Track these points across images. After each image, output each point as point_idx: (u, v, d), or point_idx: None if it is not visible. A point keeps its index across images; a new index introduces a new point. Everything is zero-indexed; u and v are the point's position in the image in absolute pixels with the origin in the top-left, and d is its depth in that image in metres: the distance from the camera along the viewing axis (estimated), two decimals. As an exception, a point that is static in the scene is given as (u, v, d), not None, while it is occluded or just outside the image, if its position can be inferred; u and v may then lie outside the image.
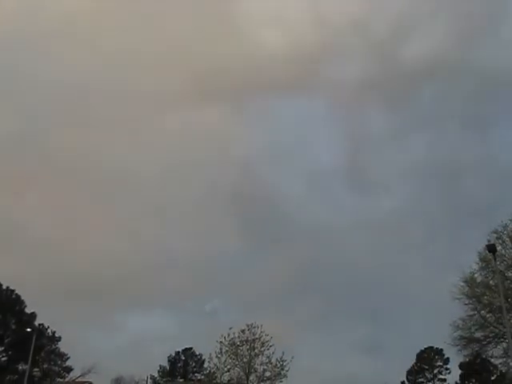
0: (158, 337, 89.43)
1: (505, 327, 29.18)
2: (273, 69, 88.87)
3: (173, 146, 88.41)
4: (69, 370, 51.69)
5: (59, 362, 50.26)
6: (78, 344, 69.58)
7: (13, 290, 44.91)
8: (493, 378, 52.92)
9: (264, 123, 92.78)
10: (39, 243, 73.13)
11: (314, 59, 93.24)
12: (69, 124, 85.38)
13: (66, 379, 52.33)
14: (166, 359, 79.14)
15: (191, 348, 78.92)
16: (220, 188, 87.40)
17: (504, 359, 36.64)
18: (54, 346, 49.59)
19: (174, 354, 79.65)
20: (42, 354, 47.47)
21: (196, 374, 75.44)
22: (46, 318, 48.83)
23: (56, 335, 49.68)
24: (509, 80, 77.39)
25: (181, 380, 73.56)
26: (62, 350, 50.33)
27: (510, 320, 31.90)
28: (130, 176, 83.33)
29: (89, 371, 52.24)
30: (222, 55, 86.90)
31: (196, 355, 78.59)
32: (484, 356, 41.03)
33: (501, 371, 43.77)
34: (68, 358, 50.90)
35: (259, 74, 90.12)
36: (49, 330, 48.86)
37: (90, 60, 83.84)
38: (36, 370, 45.65)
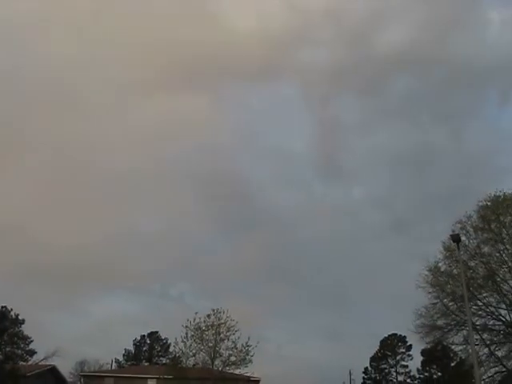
0: (124, 321, 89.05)
1: (466, 315, 29.82)
2: (245, 54, 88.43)
3: (146, 131, 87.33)
4: (32, 353, 50.94)
5: (22, 345, 49.46)
6: (42, 327, 68.97)
7: (-26, 272, 44.08)
8: (453, 364, 54.21)
9: (236, 108, 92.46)
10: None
11: (286, 45, 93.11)
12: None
13: (29, 362, 51.65)
14: (132, 343, 79.07)
15: (157, 332, 78.87)
16: (193, 173, 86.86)
17: (464, 346, 37.50)
18: (17, 329, 48.76)
19: (139, 338, 79.52)
20: (5, 337, 46.69)
21: (161, 358, 75.47)
22: (8, 300, 48.12)
23: (19, 318, 48.91)
24: (480, 71, 78.53)
25: (146, 364, 73.48)
26: (26, 333, 49.62)
27: (470, 308, 32.66)
28: (98, 157, 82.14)
29: (52, 354, 51.63)
30: (193, 41, 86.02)
31: (161, 339, 78.58)
32: (445, 343, 41.93)
33: (460, 358, 44.81)
34: (31, 342, 50.14)
35: (231, 59, 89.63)
36: (12, 313, 48.06)
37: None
38: (-2, 352, 44.95)
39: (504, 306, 35.90)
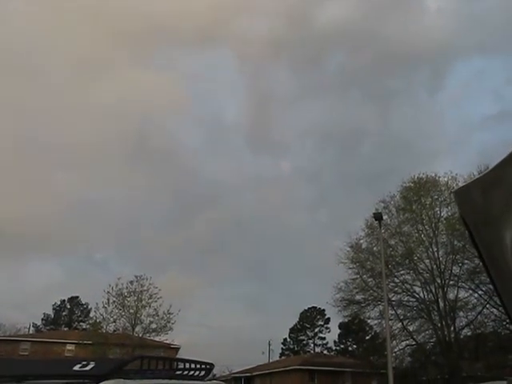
0: (43, 284, 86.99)
1: (383, 291, 30.94)
2: (181, 20, 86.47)
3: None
4: None
5: None
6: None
7: None
8: (367, 338, 56.33)
9: (170, 74, 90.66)
10: None
11: (224, 13, 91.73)
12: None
13: None
14: (51, 307, 77.47)
15: (77, 297, 77.58)
16: (124, 136, 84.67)
17: (379, 320, 39.04)
18: None
19: (59, 303, 78.03)
20: None
21: (81, 323, 74.44)
22: None
23: None
24: (413, 54, 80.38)
25: (65, 329, 72.26)
26: None
27: (388, 285, 33.98)
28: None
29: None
30: (131, 6, 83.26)
31: (82, 304, 77.42)
32: (362, 317, 43.45)
33: (375, 331, 46.63)
34: None
35: (164, 20, 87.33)
36: None
37: None
38: None
39: (419, 283, 37.55)
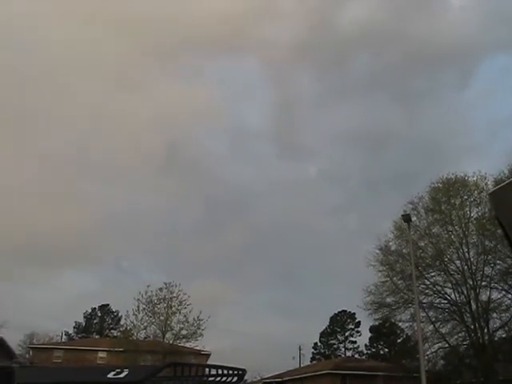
0: (75, 293, 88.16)
1: (414, 294, 30.59)
2: (204, 26, 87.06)
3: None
4: (-21, 324, 50.07)
5: (-32, 317, 48.60)
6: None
7: None
8: (399, 341, 55.72)
9: (197, 83, 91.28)
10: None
11: (248, 19, 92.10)
12: None
13: (-24, 334, 50.67)
14: (82, 316, 78.43)
15: (108, 305, 78.43)
16: (154, 149, 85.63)
17: (410, 323, 38.62)
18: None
19: (90, 311, 78.96)
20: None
21: (112, 331, 75.15)
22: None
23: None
24: (439, 53, 79.56)
25: (96, 336, 73.05)
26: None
27: (418, 287, 33.57)
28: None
29: (0, 326, 50.81)
30: (150, 10, 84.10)
31: (112, 312, 78.21)
32: (393, 320, 43.00)
33: (407, 334, 46.12)
34: (-22, 313, 49.27)
35: (189, 30, 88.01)
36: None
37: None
38: None
39: (450, 285, 36.99)
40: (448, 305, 37.27)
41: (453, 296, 36.97)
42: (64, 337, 73.22)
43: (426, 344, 35.57)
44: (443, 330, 37.04)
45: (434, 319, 37.14)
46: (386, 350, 67.30)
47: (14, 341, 61.47)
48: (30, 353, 58.54)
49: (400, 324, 43.04)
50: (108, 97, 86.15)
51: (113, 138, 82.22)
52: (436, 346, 37.10)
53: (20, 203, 76.93)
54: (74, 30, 77.93)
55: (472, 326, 35.54)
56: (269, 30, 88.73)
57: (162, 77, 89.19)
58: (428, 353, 35.98)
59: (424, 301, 37.20)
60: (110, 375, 5.08)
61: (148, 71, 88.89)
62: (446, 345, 36.85)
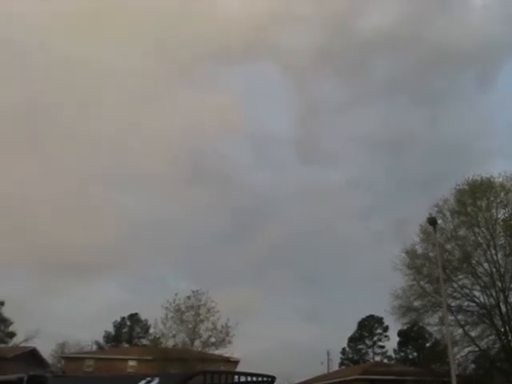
0: (104, 302, 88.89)
1: (441, 297, 30.37)
2: (225, 35, 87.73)
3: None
4: (12, 335, 51.09)
5: (2, 328, 49.51)
6: (22, 309, 68.80)
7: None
8: (428, 345, 55.10)
9: (219, 92, 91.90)
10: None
11: (269, 25, 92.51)
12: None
13: (10, 344, 51.67)
14: (112, 325, 79.23)
15: (136, 314, 79.11)
16: (180, 160, 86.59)
17: (439, 327, 38.22)
18: (-5, 312, 48.78)
19: (119, 320, 79.72)
20: (-16, 319, 46.64)
21: (141, 340, 75.73)
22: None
23: (-1, 300, 48.83)
24: (460, 56, 79.03)
25: (126, 345, 73.70)
26: (5, 315, 49.60)
27: (446, 290, 33.30)
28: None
29: (32, 336, 51.80)
30: (172, 21, 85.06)
31: (141, 321, 78.85)
32: (421, 324, 42.63)
33: (435, 338, 45.63)
34: (11, 324, 50.22)
35: (210, 39, 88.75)
36: (-10, 296, 47.95)
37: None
38: (-23, 334, 44.90)
39: (478, 287, 36.62)
40: (477, 308, 36.86)
41: (481, 299, 36.61)
42: (94, 346, 74.03)
43: (456, 348, 35.19)
44: (473, 334, 36.65)
45: (462, 322, 36.77)
46: (415, 354, 66.56)
47: (46, 350, 62.59)
48: (62, 362, 59.36)
49: (428, 328, 42.62)
50: (133, 109, 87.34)
51: (139, 150, 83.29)
52: (466, 350, 36.71)
53: (50, 217, 78.38)
54: (100, 46, 79.34)
55: (502, 329, 35.11)
56: (289, 36, 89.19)
57: (186, 88, 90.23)
58: (458, 357, 35.60)
59: (452, 304, 36.87)
60: (141, 383, 5.28)
61: (172, 83, 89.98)
62: (476, 348, 36.43)
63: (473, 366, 37.91)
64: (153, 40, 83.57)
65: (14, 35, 79.07)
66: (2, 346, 48.90)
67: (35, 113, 77.99)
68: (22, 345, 52.98)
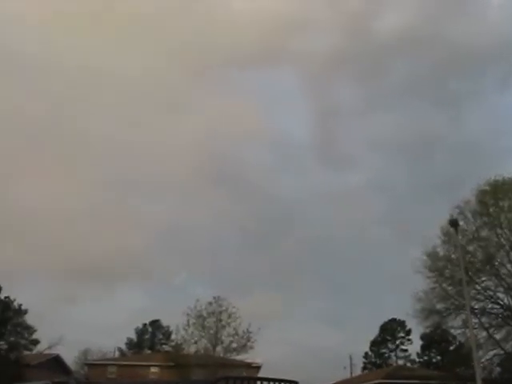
0: (126, 309, 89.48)
1: (464, 299, 30.05)
2: (241, 39, 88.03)
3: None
4: (36, 342, 51.56)
5: (26, 335, 50.01)
6: (46, 317, 69.70)
7: (-25, 264, 44.18)
8: (452, 348, 54.51)
9: (231, 96, 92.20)
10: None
11: (285, 30, 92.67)
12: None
13: (33, 352, 52.21)
14: (134, 331, 79.69)
15: (158, 320, 79.47)
16: (202, 166, 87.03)
17: (463, 330, 37.79)
18: (20, 319, 49.24)
19: (141, 327, 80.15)
20: (9, 327, 47.08)
21: (163, 346, 76.05)
22: (11, 291, 48.48)
23: (22, 308, 49.31)
24: (479, 56, 78.31)
25: (148, 352, 74.04)
26: (29, 322, 50.12)
27: (469, 292, 32.90)
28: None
29: (56, 344, 52.25)
30: (188, 28, 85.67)
31: (163, 327, 79.20)
32: (444, 327, 42.19)
33: (459, 341, 45.14)
34: (35, 331, 50.72)
35: (226, 44, 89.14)
36: (15, 303, 48.45)
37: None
38: (2, 343, 45.37)
39: (502, 289, 36.16)
40: (501, 310, 36.37)
41: (506, 301, 36.11)
42: (117, 353, 74.53)
43: (481, 351, 34.72)
44: (497, 336, 36.15)
45: (487, 325, 36.29)
46: (439, 357, 65.88)
47: (70, 357, 63.18)
48: (85, 369, 59.83)
49: (452, 331, 42.19)
50: (156, 116, 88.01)
51: (162, 157, 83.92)
52: (491, 353, 36.22)
53: (74, 226, 79.21)
54: (126, 60, 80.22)
55: (528, 332, 34.64)
56: (307, 40, 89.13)
57: (207, 93, 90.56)
58: (483, 360, 35.11)
59: (476, 306, 36.42)
60: (166, 390, 5.30)
61: (194, 89, 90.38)
62: (502, 351, 35.95)
63: (498, 369, 37.43)
64: (174, 47, 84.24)
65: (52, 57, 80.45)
66: (26, 353, 49.38)
67: (60, 124, 79.13)
68: (46, 352, 53.50)
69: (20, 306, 49.18)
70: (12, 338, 48.06)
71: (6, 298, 46.65)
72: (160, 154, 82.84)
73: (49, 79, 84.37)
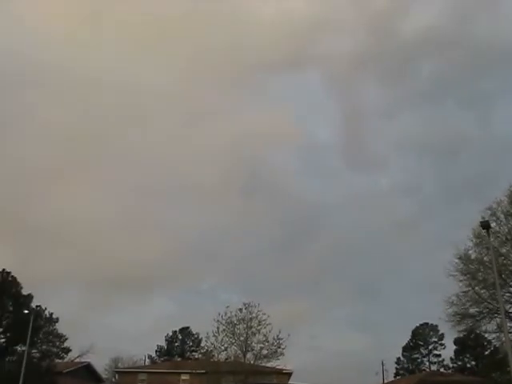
0: (156, 317, 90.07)
1: (498, 303, 29.41)
2: (267, 43, 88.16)
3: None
4: (67, 350, 52.14)
5: (57, 343, 50.58)
6: (77, 325, 70.45)
7: (9, 273, 44.77)
8: (486, 353, 53.51)
9: (258, 100, 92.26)
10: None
11: (310, 32, 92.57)
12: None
13: (65, 360, 52.75)
14: (164, 339, 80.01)
15: (188, 327, 79.69)
16: (232, 173, 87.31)
17: (497, 334, 37.06)
18: (51, 328, 49.82)
19: (171, 334, 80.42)
20: (40, 335, 47.59)
21: (193, 353, 76.13)
22: (42, 299, 49.14)
23: (53, 316, 49.89)
24: (506, 55, 77.06)
25: (178, 359, 74.18)
26: (60, 331, 50.70)
27: (503, 296, 32.20)
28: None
29: (87, 352, 52.74)
30: (214, 32, 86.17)
31: (193, 334, 79.33)
32: (478, 331, 41.44)
33: (494, 346, 44.28)
34: (66, 339, 51.29)
35: (253, 49, 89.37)
36: (46, 312, 49.02)
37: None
38: (34, 351, 45.85)
39: (537, 292, 35.34)
40: (537, 313, 35.55)
41: (541, 303, 35.28)
42: (147, 360, 74.90)
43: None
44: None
45: (522, 329, 35.50)
46: (473, 362, 64.61)
47: (101, 365, 63.73)
48: (116, 376, 60.20)
49: (486, 335, 41.41)
50: (184, 122, 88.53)
51: (190, 163, 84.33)
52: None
53: (103, 234, 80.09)
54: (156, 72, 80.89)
55: None
56: (332, 42, 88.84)
57: (236, 99, 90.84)
58: (519, 365, 34.32)
59: (510, 310, 35.67)
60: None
61: (224, 98, 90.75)
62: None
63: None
64: (204, 52, 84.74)
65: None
66: (58, 361, 49.89)
67: (95, 136, 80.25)
68: (77, 360, 54.06)
69: (51, 314, 49.76)
70: (44, 347, 48.60)
71: (37, 306, 47.14)
72: (189, 161, 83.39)
73: (86, 93, 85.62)
